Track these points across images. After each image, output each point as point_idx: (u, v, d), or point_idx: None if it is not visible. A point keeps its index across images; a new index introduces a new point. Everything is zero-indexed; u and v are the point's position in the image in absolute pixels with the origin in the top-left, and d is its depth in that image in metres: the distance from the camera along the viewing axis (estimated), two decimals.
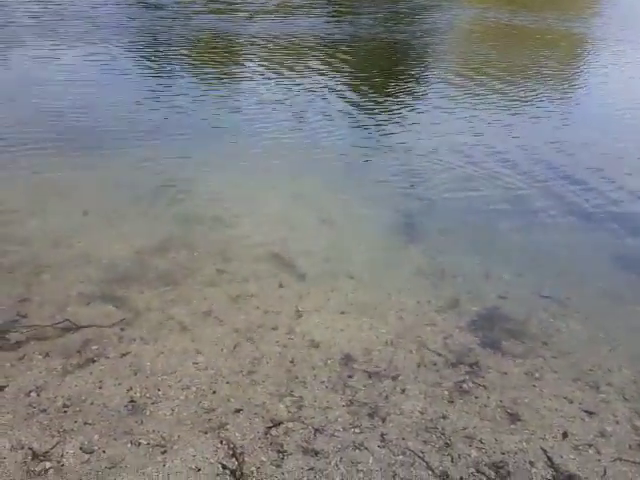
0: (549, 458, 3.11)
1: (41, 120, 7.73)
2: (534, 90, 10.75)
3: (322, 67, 11.27)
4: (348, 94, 9.95)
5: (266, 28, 14.01)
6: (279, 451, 3.09)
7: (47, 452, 2.98)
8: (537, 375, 3.75)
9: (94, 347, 3.77)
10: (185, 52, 11.83)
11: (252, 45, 12.56)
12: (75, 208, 5.55)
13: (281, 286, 4.59)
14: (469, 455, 3.10)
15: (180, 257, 4.88)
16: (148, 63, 10.89)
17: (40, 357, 3.64)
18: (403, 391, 3.55)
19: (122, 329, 3.96)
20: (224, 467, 2.97)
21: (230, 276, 4.67)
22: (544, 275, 4.93)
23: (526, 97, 10.30)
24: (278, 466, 2.99)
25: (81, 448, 3.02)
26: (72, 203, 5.66)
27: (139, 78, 10.05)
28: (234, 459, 3.02)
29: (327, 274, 4.81)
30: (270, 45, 12.59)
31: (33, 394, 3.35)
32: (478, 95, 10.19)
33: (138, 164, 6.64)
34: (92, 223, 5.33)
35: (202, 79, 10.35)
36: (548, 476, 3.00)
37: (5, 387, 3.38)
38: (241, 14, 15.58)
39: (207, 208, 5.73)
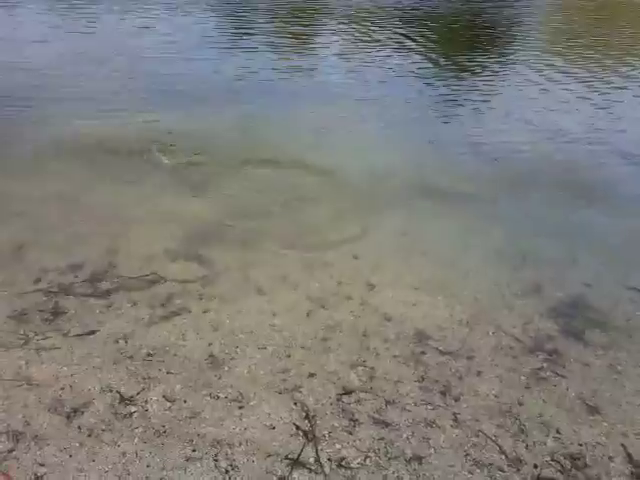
0: (629, 455, 3.01)
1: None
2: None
3: (408, 40, 11.01)
4: (432, 68, 9.74)
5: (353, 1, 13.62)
6: (351, 419, 3.13)
7: (133, 397, 3.15)
8: (620, 368, 3.62)
9: (178, 301, 3.92)
10: (270, 23, 11.76)
11: (336, 17, 12.32)
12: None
13: (355, 257, 4.60)
14: (544, 443, 3.04)
15: (259, 221, 4.97)
16: (233, 34, 10.92)
17: (128, 306, 3.82)
18: (478, 373, 3.51)
19: (204, 286, 4.09)
20: (297, 428, 3.04)
21: (306, 243, 4.72)
22: (633, 265, 4.70)
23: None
24: (350, 433, 3.04)
25: (164, 396, 3.17)
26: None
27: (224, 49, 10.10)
28: (307, 421, 3.09)
29: (403, 249, 4.77)
30: (356, 17, 12.31)
31: (121, 341, 3.53)
32: (577, 74, 9.71)
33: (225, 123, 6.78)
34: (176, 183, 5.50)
35: (283, 50, 10.29)
36: (627, 472, 2.91)
37: (96, 332, 3.58)
38: None
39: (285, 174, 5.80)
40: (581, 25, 13.01)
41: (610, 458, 2.99)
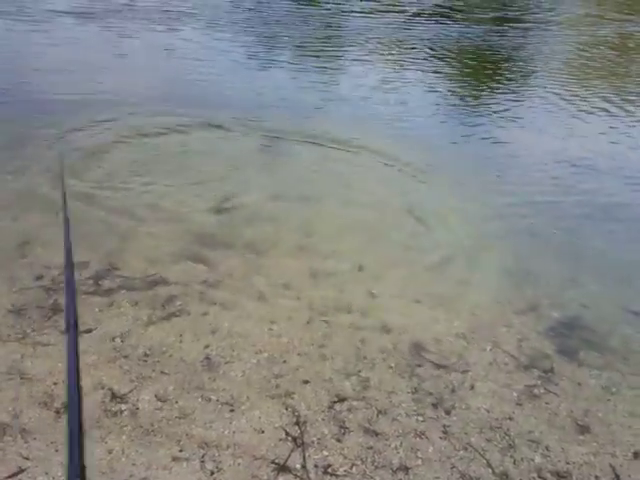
0: (617, 476, 3.00)
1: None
2: None
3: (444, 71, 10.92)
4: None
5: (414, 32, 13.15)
6: (341, 426, 3.15)
7: (125, 395, 3.18)
8: (613, 390, 3.60)
9: (178, 303, 3.96)
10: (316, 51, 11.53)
11: (371, 45, 12.12)
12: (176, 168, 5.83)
13: (360, 269, 4.62)
14: (532, 460, 3.04)
15: (267, 227, 5.02)
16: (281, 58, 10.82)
17: (128, 305, 3.87)
18: (471, 387, 3.51)
19: (205, 289, 4.13)
20: (287, 433, 3.06)
21: (311, 252, 4.75)
22: (636, 290, 4.68)
23: None
24: (339, 440, 3.05)
25: (156, 396, 3.20)
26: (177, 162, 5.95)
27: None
28: (297, 427, 3.11)
29: (406, 262, 4.80)
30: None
31: (118, 339, 3.57)
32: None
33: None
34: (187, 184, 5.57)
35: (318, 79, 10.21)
36: None
37: (93, 330, 3.63)
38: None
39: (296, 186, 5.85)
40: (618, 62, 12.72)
41: (597, 478, 2.97)
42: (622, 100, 9.60)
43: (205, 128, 6.89)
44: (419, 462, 2.97)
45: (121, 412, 3.08)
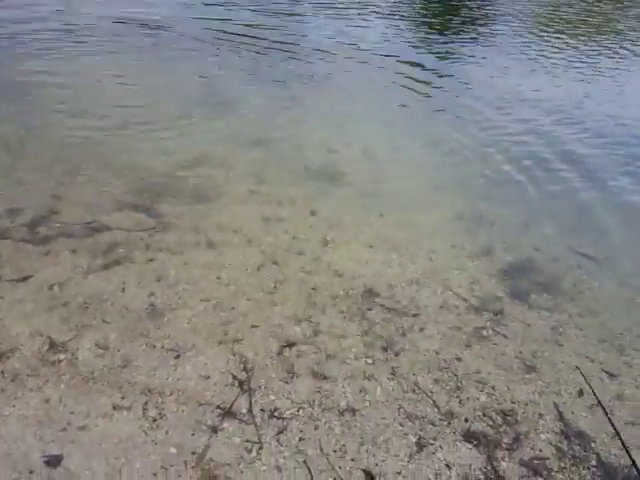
0: (560, 413, 3.04)
1: None
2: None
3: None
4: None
5: None
6: (289, 371, 3.10)
7: (64, 344, 3.06)
8: (561, 330, 3.64)
9: (121, 250, 3.81)
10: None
11: None
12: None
13: (313, 214, 4.52)
14: (478, 399, 3.05)
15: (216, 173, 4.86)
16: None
17: (66, 253, 3.70)
18: (421, 329, 3.50)
19: (150, 236, 3.98)
20: (234, 378, 3.00)
21: (263, 197, 4.62)
22: (586, 233, 4.70)
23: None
24: (286, 384, 3.01)
25: (97, 344, 3.09)
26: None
27: None
28: (244, 372, 3.05)
29: (361, 206, 4.71)
30: None
31: (56, 288, 3.42)
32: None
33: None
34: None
35: None
36: (556, 429, 2.94)
37: (29, 278, 3.46)
38: None
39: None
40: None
41: (541, 415, 3.01)
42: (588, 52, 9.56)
43: None
44: (366, 404, 2.96)
45: (59, 361, 2.96)
